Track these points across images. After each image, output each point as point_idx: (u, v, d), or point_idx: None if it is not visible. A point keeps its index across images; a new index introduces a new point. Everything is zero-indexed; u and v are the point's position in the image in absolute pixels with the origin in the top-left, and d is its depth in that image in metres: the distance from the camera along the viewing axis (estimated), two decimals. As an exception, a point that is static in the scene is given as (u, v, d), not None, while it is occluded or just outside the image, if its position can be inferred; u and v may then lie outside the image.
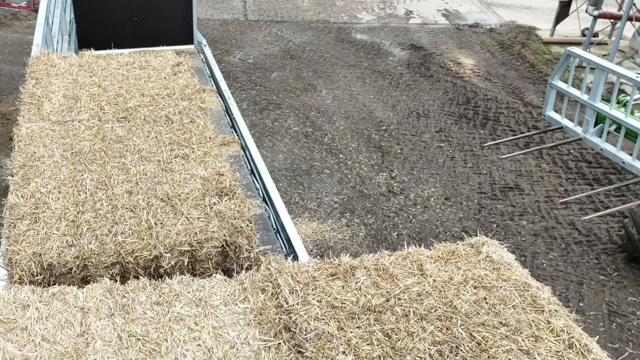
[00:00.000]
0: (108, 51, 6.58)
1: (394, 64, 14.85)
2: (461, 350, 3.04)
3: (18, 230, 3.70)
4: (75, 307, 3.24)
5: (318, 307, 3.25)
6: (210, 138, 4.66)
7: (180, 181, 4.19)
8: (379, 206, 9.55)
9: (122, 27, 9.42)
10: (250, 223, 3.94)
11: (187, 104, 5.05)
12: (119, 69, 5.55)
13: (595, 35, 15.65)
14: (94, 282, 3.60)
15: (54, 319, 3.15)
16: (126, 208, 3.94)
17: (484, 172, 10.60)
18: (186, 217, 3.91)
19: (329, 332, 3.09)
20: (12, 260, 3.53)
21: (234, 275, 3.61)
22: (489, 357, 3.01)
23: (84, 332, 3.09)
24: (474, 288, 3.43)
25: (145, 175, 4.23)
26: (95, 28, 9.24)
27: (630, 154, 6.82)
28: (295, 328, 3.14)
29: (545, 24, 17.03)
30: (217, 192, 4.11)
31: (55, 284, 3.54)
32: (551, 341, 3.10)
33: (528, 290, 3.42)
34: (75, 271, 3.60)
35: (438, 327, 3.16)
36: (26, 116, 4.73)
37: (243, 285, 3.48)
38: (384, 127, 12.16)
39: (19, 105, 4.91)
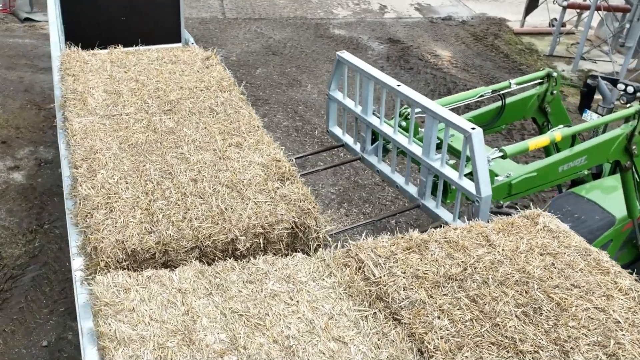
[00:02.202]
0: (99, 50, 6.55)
1: (374, 58, 15.09)
2: (544, 310, 3.25)
3: (96, 219, 3.76)
4: (172, 288, 3.33)
5: (404, 277, 3.43)
6: (258, 127, 4.78)
7: (239, 168, 4.30)
8: (375, 195, 9.76)
9: (110, 26, 9.36)
10: (316, 205, 4.08)
11: (227, 96, 5.14)
12: (151, 63, 5.60)
13: (564, 25, 16.19)
14: (174, 266, 3.69)
15: (156, 300, 3.24)
16: (194, 195, 4.03)
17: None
18: (254, 202, 4.03)
19: (421, 300, 3.27)
20: (98, 248, 3.59)
21: (312, 253, 3.76)
22: (569, 315, 3.23)
23: (187, 311, 3.19)
24: (541, 255, 3.66)
25: (205, 163, 4.33)
26: (82, 28, 9.16)
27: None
28: (387, 298, 3.31)
29: (515, 16, 17.54)
30: (278, 177, 4.24)
31: (138, 270, 3.62)
32: (621, 299, 3.35)
33: (590, 255, 3.67)
34: (158, 256, 3.69)
35: (518, 291, 3.37)
36: (74, 111, 4.76)
37: (325, 262, 3.62)
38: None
39: (62, 102, 4.93)
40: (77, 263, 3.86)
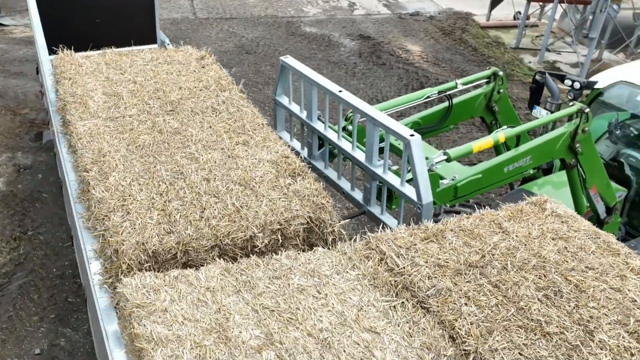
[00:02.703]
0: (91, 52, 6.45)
1: (347, 54, 15.15)
2: (564, 293, 3.34)
3: (114, 222, 3.71)
4: (201, 287, 3.31)
5: (426, 267, 3.48)
6: (262, 125, 4.77)
7: (249, 166, 4.29)
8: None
9: (84, 29, 9.20)
10: (329, 199, 4.10)
11: (227, 94, 5.11)
12: (146, 64, 5.53)
13: (528, 18, 16.49)
14: (195, 266, 3.67)
15: (186, 299, 3.22)
16: (209, 194, 4.01)
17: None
18: (268, 199, 4.02)
19: (447, 288, 3.33)
20: (119, 251, 3.55)
21: (330, 247, 3.78)
22: (588, 297, 3.32)
23: (219, 309, 3.18)
24: (553, 240, 3.75)
25: (215, 162, 4.30)
26: (57, 31, 8.99)
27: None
28: (413, 287, 3.35)
29: (480, 10, 17.80)
30: (289, 174, 4.24)
31: (159, 270, 3.59)
32: (634, 279, 3.45)
33: (600, 238, 3.77)
34: (179, 256, 3.66)
35: (537, 276, 3.45)
36: (75, 115, 4.67)
37: (347, 255, 3.65)
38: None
39: (61, 105, 4.84)
40: (95, 267, 3.80)
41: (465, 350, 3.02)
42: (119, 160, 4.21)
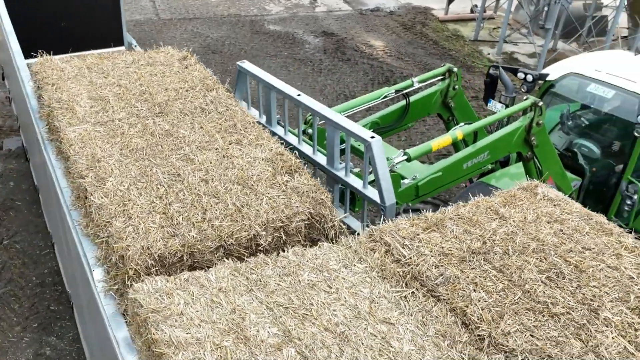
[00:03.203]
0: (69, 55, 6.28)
1: (312, 51, 15.13)
2: (565, 274, 3.40)
3: (117, 228, 3.62)
4: (213, 288, 3.26)
5: (432, 256, 3.50)
6: (253, 123, 4.72)
7: (245, 165, 4.24)
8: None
9: (50, 33, 8.97)
10: (328, 194, 4.08)
11: (215, 94, 5.04)
12: (129, 67, 5.40)
13: (484, 11, 16.74)
14: (200, 268, 3.61)
15: (199, 301, 3.17)
16: (208, 195, 3.95)
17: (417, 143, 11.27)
18: (267, 197, 3.98)
19: (454, 275, 3.35)
20: (125, 257, 3.47)
21: (333, 241, 3.77)
22: (588, 277, 3.39)
23: (234, 309, 3.13)
24: (548, 223, 3.82)
25: (211, 163, 4.24)
26: (23, 35, 8.74)
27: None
28: (422, 276, 3.37)
29: (438, 4, 17.99)
30: (286, 171, 4.21)
31: (166, 274, 3.52)
32: (629, 257, 3.54)
33: (592, 219, 3.86)
34: (185, 259, 3.59)
35: (538, 259, 3.51)
36: (64, 121, 4.54)
37: (352, 249, 3.64)
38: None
39: (47, 112, 4.69)
40: (98, 274, 3.71)
41: (479, 335, 3.05)
42: (114, 165, 4.11)
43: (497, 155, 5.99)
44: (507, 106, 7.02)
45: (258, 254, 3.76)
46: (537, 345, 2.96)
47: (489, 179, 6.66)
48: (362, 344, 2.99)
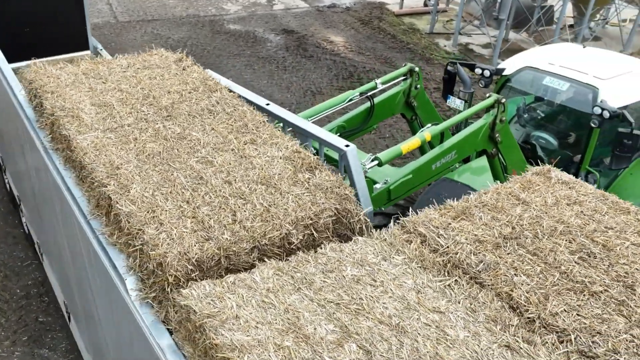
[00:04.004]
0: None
1: (275, 49, 15.02)
2: (595, 253, 3.48)
3: (150, 235, 3.49)
4: (261, 289, 3.18)
5: (467, 243, 3.51)
6: (264, 122, 4.63)
7: (264, 165, 4.16)
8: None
9: (13, 39, 8.62)
10: (351, 189, 4.05)
11: (219, 95, 4.92)
12: (125, 71, 5.21)
13: (437, 4, 16.96)
14: (237, 270, 3.53)
15: (251, 303, 3.09)
16: (234, 196, 3.85)
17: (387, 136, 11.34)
18: (293, 195, 3.92)
19: (494, 261, 3.38)
20: (164, 264, 3.35)
21: (361, 236, 3.74)
22: (617, 255, 3.47)
23: (287, 309, 3.07)
24: (568, 205, 3.89)
25: (230, 164, 4.14)
26: None
27: None
28: (463, 264, 3.38)
29: (393, -1, 18.12)
30: (306, 168, 4.15)
31: (204, 279, 3.42)
32: (649, 233, 3.66)
33: (608, 199, 3.95)
34: (222, 262, 3.50)
35: (566, 240, 3.57)
36: (72, 129, 4.34)
37: (387, 242, 3.62)
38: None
39: (51, 120, 4.48)
40: (131, 283, 3.58)
41: (528, 317, 3.08)
42: (134, 172, 3.96)
43: (464, 154, 6.03)
44: (465, 102, 7.07)
45: (290, 252, 3.71)
46: (585, 324, 3.01)
47: (452, 174, 6.70)
48: (419, 334, 2.98)
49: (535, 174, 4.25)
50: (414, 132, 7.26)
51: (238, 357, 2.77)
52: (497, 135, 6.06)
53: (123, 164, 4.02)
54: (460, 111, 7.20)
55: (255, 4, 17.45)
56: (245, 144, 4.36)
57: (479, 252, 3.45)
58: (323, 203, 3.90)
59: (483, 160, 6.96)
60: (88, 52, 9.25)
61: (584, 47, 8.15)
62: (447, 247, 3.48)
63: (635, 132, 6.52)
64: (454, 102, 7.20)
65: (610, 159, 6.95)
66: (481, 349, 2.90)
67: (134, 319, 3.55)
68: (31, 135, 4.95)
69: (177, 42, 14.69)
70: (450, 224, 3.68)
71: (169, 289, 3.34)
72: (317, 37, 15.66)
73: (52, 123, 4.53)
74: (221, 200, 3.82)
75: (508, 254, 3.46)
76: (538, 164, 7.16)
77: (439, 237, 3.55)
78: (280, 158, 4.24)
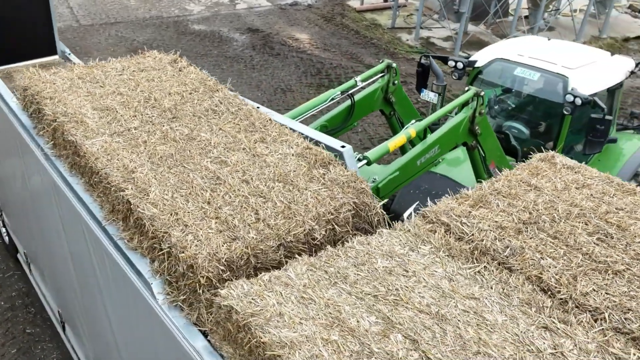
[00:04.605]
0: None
1: (241, 48, 14.89)
2: (611, 234, 3.57)
3: (177, 237, 3.41)
4: (297, 285, 3.15)
5: (491, 230, 3.56)
6: (270, 120, 4.57)
7: (278, 162, 4.11)
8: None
9: None
10: (367, 183, 4.05)
11: (221, 95, 4.83)
12: (121, 75, 5.06)
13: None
14: (266, 269, 3.48)
15: (291, 300, 3.05)
16: (254, 195, 3.80)
17: (360, 130, 11.41)
18: (310, 191, 3.89)
19: (520, 246, 3.43)
20: (195, 266, 3.28)
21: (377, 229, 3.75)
22: (632, 234, 3.57)
23: (327, 304, 3.05)
24: (577, 189, 3.98)
25: (244, 163, 4.08)
26: None
27: None
28: (489, 251, 3.42)
29: (354, -5, 18.16)
30: (320, 164, 4.12)
31: (233, 279, 3.36)
32: (657, 212, 3.78)
33: (613, 181, 4.06)
34: (251, 261, 3.45)
35: (582, 222, 3.65)
36: (78, 134, 4.19)
37: (411, 232, 3.63)
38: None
39: (54, 126, 4.32)
40: (158, 287, 3.49)
41: (561, 299, 3.14)
42: (150, 175, 3.86)
43: (447, 148, 6.08)
44: (439, 94, 7.12)
45: (313, 248, 3.69)
46: (615, 302, 3.09)
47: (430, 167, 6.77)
48: (459, 320, 3.00)
49: (541, 160, 4.33)
50: (392, 128, 7.30)
51: (289, 353, 2.74)
52: (476, 127, 6.13)
53: (137, 168, 3.91)
54: (434, 104, 7.27)
55: (218, 4, 17.23)
56: (256, 143, 4.31)
57: (503, 238, 3.49)
58: (341, 197, 3.88)
59: (457, 152, 7.02)
60: (56, 57, 8.95)
61: (548, 39, 8.35)
62: (472, 234, 3.52)
63: (607, 117, 6.70)
64: (428, 95, 7.24)
65: (583, 144, 7.13)
66: (521, 332, 2.94)
67: (161, 322, 3.47)
68: (27, 142, 4.77)
69: (142, 44, 14.38)
70: (470, 212, 3.72)
71: (200, 291, 3.28)
72: (282, 35, 15.58)
73: (55, 129, 4.36)
74: (241, 200, 3.76)
75: (530, 238, 3.52)
76: (512, 153, 7.36)
77: (462, 226, 3.58)
78: (293, 155, 4.20)
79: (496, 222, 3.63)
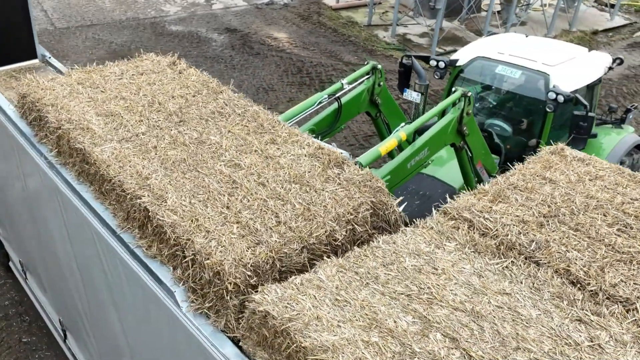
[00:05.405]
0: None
1: (221, 48, 14.69)
2: (631, 224, 3.57)
3: (200, 244, 3.29)
4: (330, 288, 3.07)
5: (514, 225, 3.52)
6: (278, 121, 4.47)
7: (291, 164, 4.02)
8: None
9: None
10: (383, 181, 3.98)
11: (225, 97, 4.70)
12: (121, 79, 4.89)
13: (374, -4, 17.01)
14: (291, 272, 3.39)
15: (325, 302, 2.97)
16: (272, 198, 3.70)
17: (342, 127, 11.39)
18: (327, 192, 3.81)
19: (545, 240, 3.40)
20: (221, 272, 3.17)
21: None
22: (649, 223, 3.59)
23: (362, 305, 2.98)
24: (591, 181, 3.98)
25: (257, 166, 3.97)
26: None
27: None
28: (515, 245, 3.39)
29: (329, -7, 18.05)
30: (334, 164, 4.04)
31: (260, 284, 3.27)
32: (669, 201, 3.79)
33: (624, 172, 4.07)
34: (276, 265, 3.35)
35: (601, 214, 3.65)
36: (85, 141, 4.02)
37: (434, 230, 3.58)
38: None
39: (59, 134, 4.14)
40: (181, 294, 3.37)
41: (591, 291, 3.12)
42: (165, 181, 3.73)
43: (436, 149, 6.05)
44: (422, 94, 7.09)
45: (335, 249, 3.61)
46: (644, 291, 3.09)
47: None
48: (495, 317, 2.96)
49: (550, 153, 4.32)
50: (378, 129, 7.24)
51: (332, 357, 2.66)
52: (464, 128, 6.11)
53: (151, 174, 3.78)
54: (417, 103, 7.22)
55: (194, 4, 16.96)
56: (267, 144, 4.20)
57: (527, 232, 3.47)
58: (359, 197, 3.81)
59: (442, 152, 6.97)
60: (36, 60, 8.67)
61: (526, 35, 8.37)
62: (496, 230, 3.48)
63: (590, 114, 6.71)
64: (411, 94, 7.19)
65: (569, 142, 7.17)
66: (556, 325, 2.92)
67: (185, 330, 3.35)
68: (27, 150, 4.58)
69: (120, 46, 14.08)
70: (491, 207, 3.68)
71: (228, 297, 3.17)
72: (260, 35, 15.42)
73: (60, 137, 4.19)
74: (260, 203, 3.66)
75: (553, 231, 3.50)
76: (495, 151, 7.34)
77: (485, 221, 3.54)
78: (305, 156, 4.11)
79: (517, 216, 3.60)
